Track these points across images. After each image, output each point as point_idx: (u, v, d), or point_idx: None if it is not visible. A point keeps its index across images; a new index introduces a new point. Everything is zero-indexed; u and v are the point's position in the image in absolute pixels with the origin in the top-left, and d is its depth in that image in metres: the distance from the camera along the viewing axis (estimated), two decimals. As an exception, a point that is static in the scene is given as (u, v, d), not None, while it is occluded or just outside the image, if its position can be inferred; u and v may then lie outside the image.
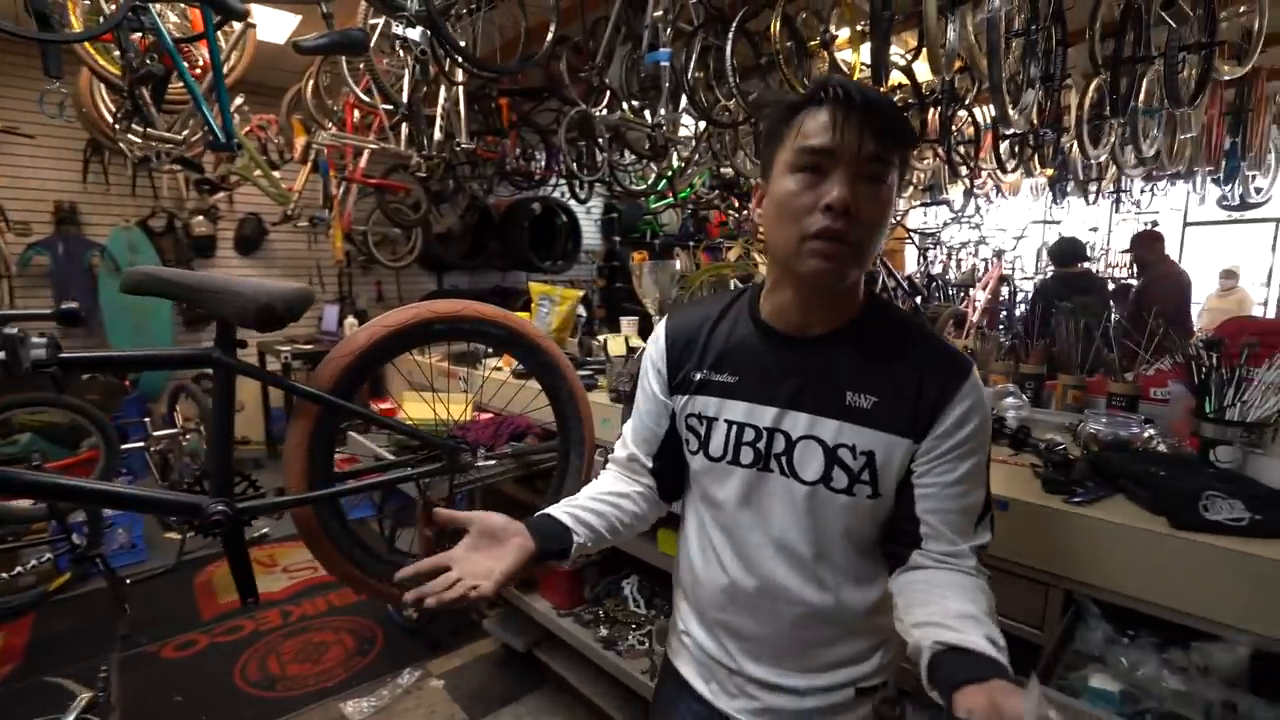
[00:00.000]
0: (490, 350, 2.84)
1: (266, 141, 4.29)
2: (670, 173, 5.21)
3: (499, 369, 2.43)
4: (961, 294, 4.78)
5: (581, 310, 2.74)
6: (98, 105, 3.28)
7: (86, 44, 2.25)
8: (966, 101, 3.63)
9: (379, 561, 1.07)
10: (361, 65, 3.24)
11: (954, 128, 3.80)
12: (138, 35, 1.94)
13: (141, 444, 3.58)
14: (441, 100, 3.19)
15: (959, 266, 5.99)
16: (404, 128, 3.49)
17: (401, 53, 2.54)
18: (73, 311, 0.68)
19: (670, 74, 2.82)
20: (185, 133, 2.78)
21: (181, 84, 2.33)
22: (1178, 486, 1.03)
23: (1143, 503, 1.08)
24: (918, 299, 4.22)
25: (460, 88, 3.14)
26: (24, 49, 3.35)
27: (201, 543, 0.95)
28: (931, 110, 3.54)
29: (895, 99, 3.25)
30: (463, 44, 2.38)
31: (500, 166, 4.50)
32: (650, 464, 0.94)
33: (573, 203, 5.57)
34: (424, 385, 2.81)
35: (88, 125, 3.51)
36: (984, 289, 5.03)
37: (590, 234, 6.70)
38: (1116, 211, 6.12)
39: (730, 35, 2.76)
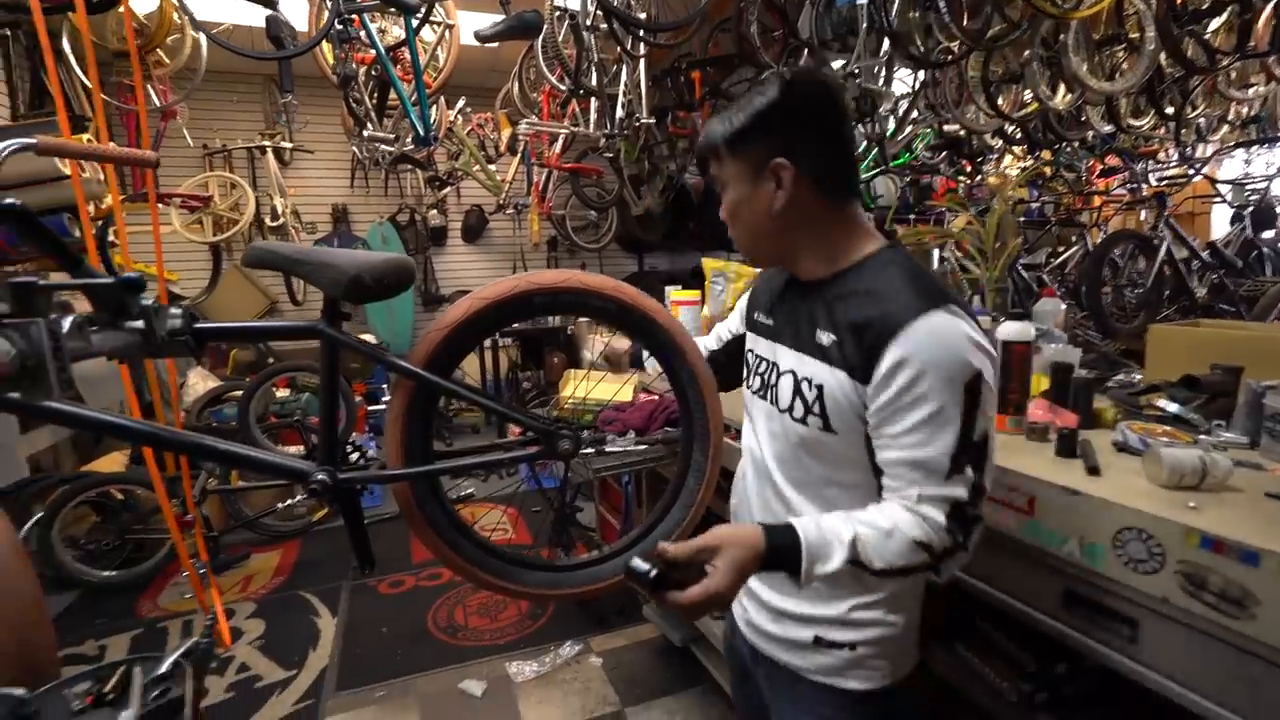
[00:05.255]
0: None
1: (484, 138, 4.72)
2: (882, 136, 4.64)
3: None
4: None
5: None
6: (349, 120, 3.88)
7: (328, 59, 2.61)
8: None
9: (475, 546, 1.02)
10: (554, 55, 3.36)
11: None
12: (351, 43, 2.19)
13: (384, 406, 4.20)
14: (624, 77, 3.16)
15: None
16: (593, 111, 3.55)
17: (572, 30, 2.53)
18: (131, 280, 0.68)
19: (867, 14, 2.43)
20: (398, 132, 3.13)
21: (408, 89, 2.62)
22: None
23: None
24: (1219, 274, 3.20)
25: (641, 62, 3.07)
26: (309, 88, 4.08)
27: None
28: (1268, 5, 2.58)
29: None
30: (631, 10, 2.29)
31: (693, 142, 4.40)
32: (710, 349, 1.20)
33: (773, 177, 5.27)
34: (599, 365, 2.83)
35: (349, 139, 4.19)
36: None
37: (793, 210, 6.31)
38: None
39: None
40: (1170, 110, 3.44)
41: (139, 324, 0.85)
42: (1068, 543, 0.99)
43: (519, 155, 4.44)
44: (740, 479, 1.06)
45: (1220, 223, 4.90)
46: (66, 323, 0.74)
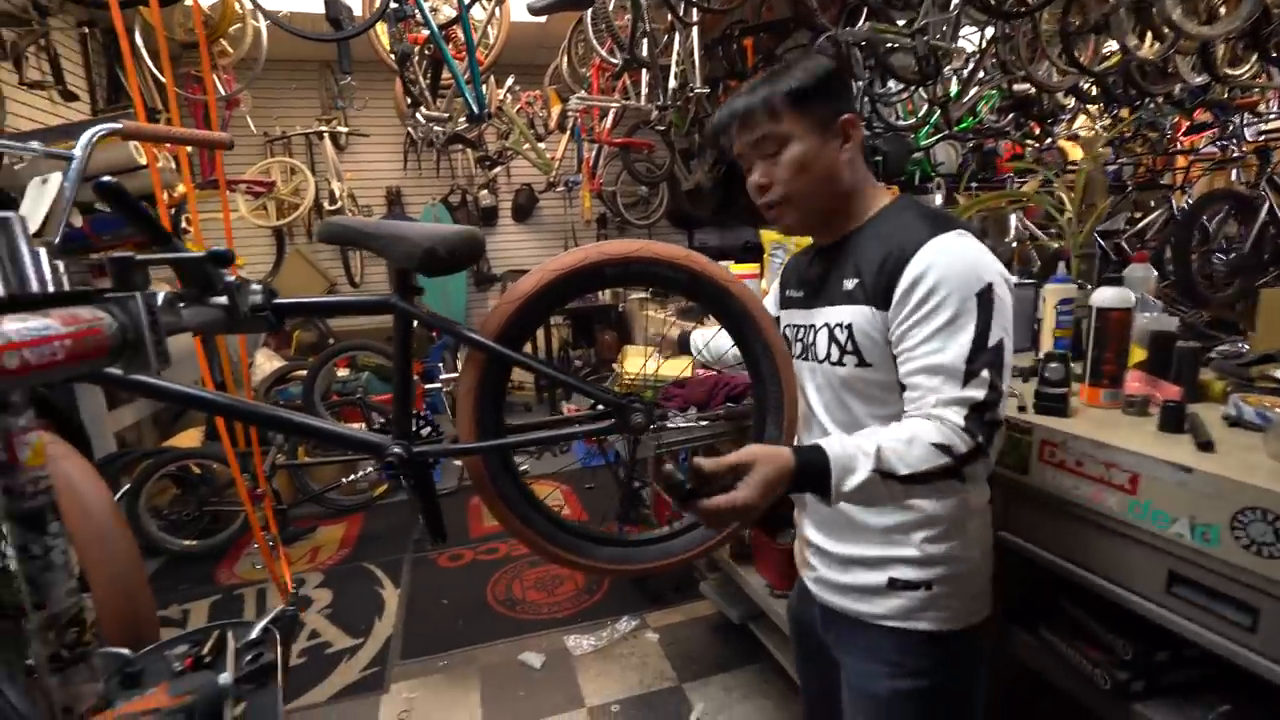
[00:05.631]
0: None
1: (533, 116, 4.70)
2: (945, 99, 4.41)
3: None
4: None
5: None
6: (403, 102, 3.92)
7: (383, 42, 2.63)
8: None
9: (547, 520, 1.02)
10: (604, 26, 3.30)
11: None
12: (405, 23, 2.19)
13: (439, 385, 4.29)
14: (676, 47, 3.08)
15: None
16: (644, 84, 3.48)
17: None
18: (220, 253, 0.69)
19: (938, -36, 2.28)
20: (451, 111, 3.14)
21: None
22: None
23: None
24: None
25: (694, 30, 2.98)
26: (363, 72, 4.14)
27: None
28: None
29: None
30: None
31: (744, 114, 4.29)
32: None
33: (827, 148, 5.09)
34: (653, 340, 2.81)
35: (403, 121, 4.24)
36: None
37: (846, 181, 6.10)
38: None
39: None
40: (1278, 54, 3.13)
41: (223, 300, 0.87)
42: (1176, 523, 0.92)
43: (568, 132, 4.41)
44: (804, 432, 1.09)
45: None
46: (160, 296, 0.75)
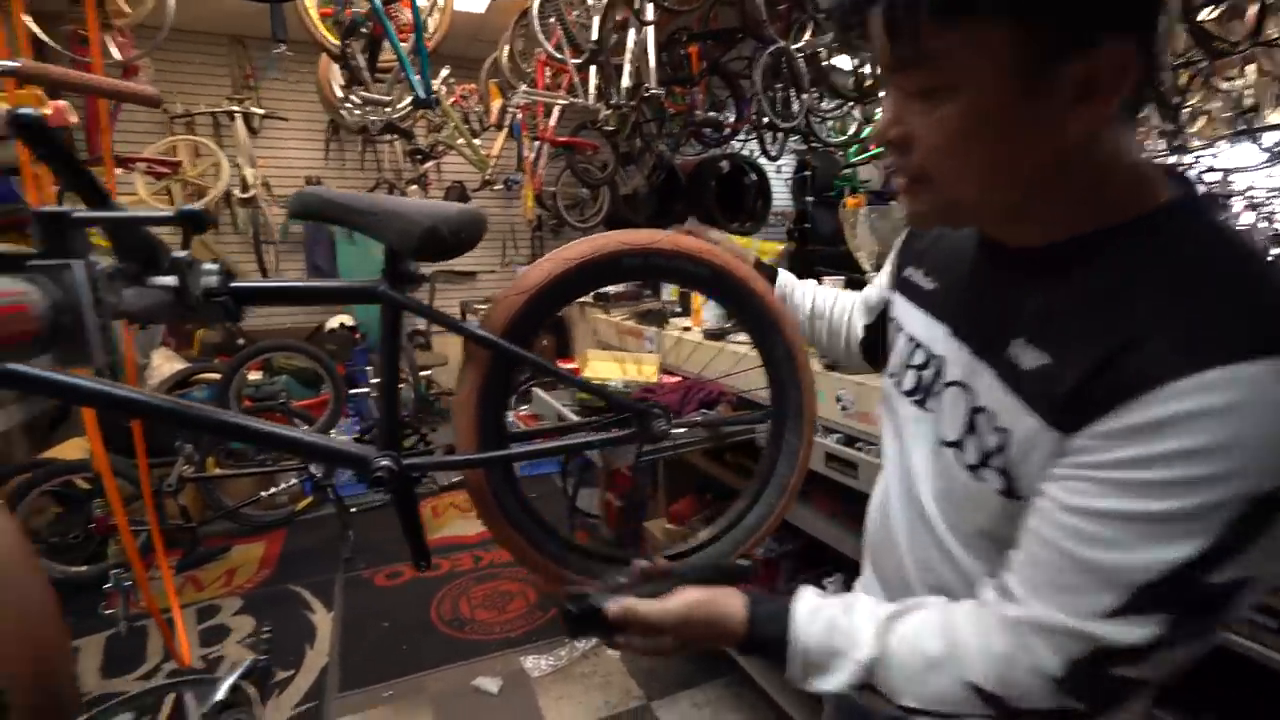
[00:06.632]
0: (678, 310, 2.67)
1: (468, 111, 4.50)
2: (875, 118, 4.60)
3: (688, 329, 2.23)
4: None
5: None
6: (331, 85, 3.63)
7: (313, 16, 2.40)
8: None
9: (554, 540, 0.91)
10: (553, 19, 3.19)
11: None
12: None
13: (366, 390, 4.00)
14: (630, 43, 3.02)
15: None
16: (592, 82, 3.39)
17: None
18: (193, 213, 0.55)
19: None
20: (393, 95, 2.92)
21: (392, 54, 2.44)
22: None
23: None
24: None
25: (650, 29, 2.93)
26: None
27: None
28: None
29: None
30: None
31: (688, 120, 4.27)
32: (860, 332, 0.93)
33: (763, 160, 5.20)
34: (609, 344, 2.71)
35: (326, 106, 3.92)
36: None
37: (780, 194, 6.26)
38: None
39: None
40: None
41: (170, 280, 0.71)
42: None
43: (506, 128, 4.24)
44: (879, 508, 0.75)
45: None
46: (101, 267, 0.60)
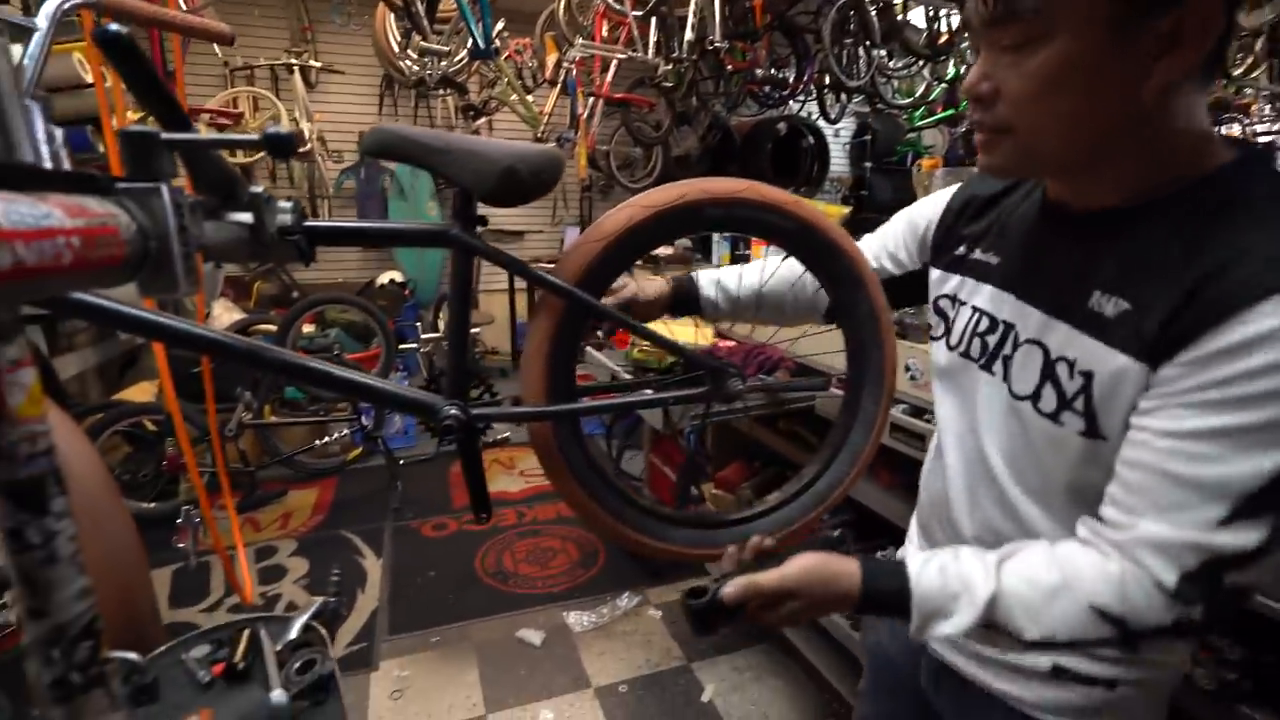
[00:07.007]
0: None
1: (522, 66, 4.41)
2: (949, 78, 4.34)
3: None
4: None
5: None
6: (388, 38, 3.61)
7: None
8: None
9: (618, 497, 0.88)
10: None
11: None
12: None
13: (415, 345, 4.06)
14: (694, -6, 2.89)
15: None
16: (652, 35, 3.28)
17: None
18: (279, 136, 0.51)
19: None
20: (451, 46, 2.88)
21: (451, 3, 2.38)
22: None
23: None
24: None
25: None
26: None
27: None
28: None
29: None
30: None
31: (748, 78, 4.10)
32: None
33: (821, 123, 4.98)
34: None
35: (382, 60, 3.91)
36: None
37: (838, 159, 6.00)
38: None
39: None
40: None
41: (246, 216, 0.69)
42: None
43: (560, 84, 4.15)
44: (934, 472, 0.79)
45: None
46: (186, 195, 0.56)
